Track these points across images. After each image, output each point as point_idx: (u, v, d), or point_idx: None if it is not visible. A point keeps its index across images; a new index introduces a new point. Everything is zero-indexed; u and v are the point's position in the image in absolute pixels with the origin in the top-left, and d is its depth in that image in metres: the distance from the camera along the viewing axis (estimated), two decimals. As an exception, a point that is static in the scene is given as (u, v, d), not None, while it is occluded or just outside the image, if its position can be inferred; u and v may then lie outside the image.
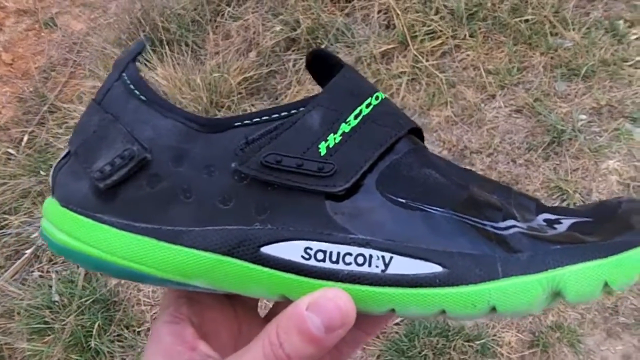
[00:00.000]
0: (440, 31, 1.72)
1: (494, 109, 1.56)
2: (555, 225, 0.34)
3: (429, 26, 1.73)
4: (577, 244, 0.31)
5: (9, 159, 1.94)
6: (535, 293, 0.30)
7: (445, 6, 1.75)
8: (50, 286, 1.54)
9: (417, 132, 0.37)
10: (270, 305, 0.42)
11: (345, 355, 0.39)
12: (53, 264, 1.60)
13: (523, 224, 0.33)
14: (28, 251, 1.63)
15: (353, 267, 0.31)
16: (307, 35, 1.79)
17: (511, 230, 0.32)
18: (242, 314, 0.39)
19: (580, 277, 0.30)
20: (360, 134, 0.33)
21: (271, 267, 0.32)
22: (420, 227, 0.32)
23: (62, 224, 0.34)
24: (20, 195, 1.78)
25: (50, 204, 0.35)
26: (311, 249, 0.32)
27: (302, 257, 0.32)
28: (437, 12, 1.75)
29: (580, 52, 1.57)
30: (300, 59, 1.80)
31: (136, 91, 0.35)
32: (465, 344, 1.23)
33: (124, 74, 0.35)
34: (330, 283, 0.31)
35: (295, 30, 1.81)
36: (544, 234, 0.33)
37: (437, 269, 0.31)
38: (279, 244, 0.32)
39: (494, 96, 1.59)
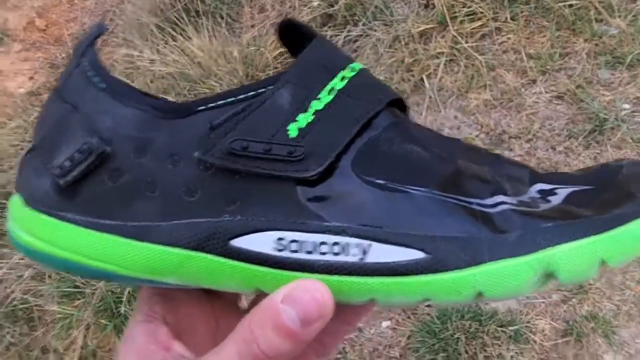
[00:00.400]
0: (481, 13, 1.69)
1: (535, 94, 1.54)
2: (550, 197, 0.31)
3: (469, 7, 1.70)
4: (571, 219, 0.29)
5: (41, 124, 1.95)
6: (525, 276, 0.28)
7: (487, -12, 1.72)
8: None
9: (399, 104, 0.34)
10: (252, 297, 0.40)
11: (328, 348, 0.37)
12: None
13: (513, 199, 0.31)
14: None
15: (329, 257, 0.29)
16: (345, 12, 1.77)
17: (499, 208, 0.30)
18: (220, 308, 0.37)
19: (574, 256, 0.28)
20: (333, 111, 0.31)
21: (243, 260, 0.30)
22: (400, 210, 0.30)
23: (25, 224, 0.32)
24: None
25: (14, 202, 0.33)
26: (284, 239, 0.30)
27: (275, 248, 0.30)
28: (479, -6, 1.72)
29: (625, 40, 1.54)
30: (337, 35, 1.78)
31: (95, 78, 0.32)
32: (499, 329, 1.22)
33: (83, 60, 0.32)
34: (306, 275, 0.29)
35: (332, 6, 1.79)
36: (535, 209, 0.30)
37: (418, 255, 0.29)
38: (249, 236, 0.30)
39: (534, 81, 1.56)
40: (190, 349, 0.32)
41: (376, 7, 1.76)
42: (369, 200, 0.30)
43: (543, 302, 1.26)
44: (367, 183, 0.30)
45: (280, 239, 0.30)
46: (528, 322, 1.24)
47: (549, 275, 0.29)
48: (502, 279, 0.28)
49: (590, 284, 1.26)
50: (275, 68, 1.71)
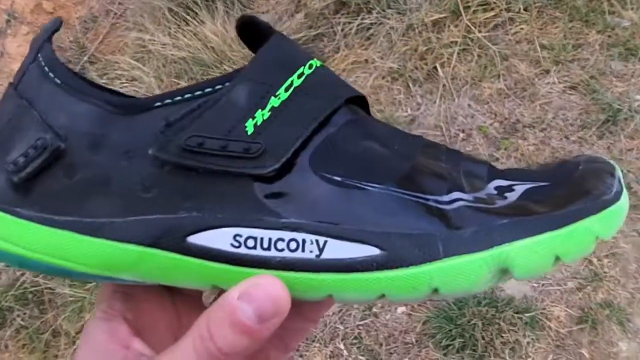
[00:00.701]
0: (494, 3, 1.70)
1: (548, 84, 1.55)
2: (507, 194, 0.31)
3: (482, -3, 1.71)
4: (525, 215, 0.29)
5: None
6: (480, 272, 0.29)
7: (499, -22, 1.72)
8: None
9: (360, 102, 0.35)
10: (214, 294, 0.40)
11: (288, 344, 0.38)
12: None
13: (470, 195, 0.31)
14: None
15: (286, 254, 0.29)
16: (359, 0, 1.77)
17: (455, 204, 0.30)
18: (182, 305, 0.37)
19: (528, 252, 0.29)
20: (291, 108, 0.31)
21: (199, 257, 0.30)
22: (356, 206, 0.30)
23: None
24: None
25: None
26: (241, 235, 0.29)
27: (232, 245, 0.29)
28: (491, -16, 1.73)
29: (638, 32, 1.55)
30: (350, 22, 1.78)
31: (51, 74, 0.32)
32: (515, 315, 1.24)
33: (39, 56, 0.32)
34: (262, 271, 0.29)
35: (345, -7, 1.79)
36: (491, 205, 0.30)
37: (374, 251, 0.29)
38: (206, 232, 0.30)
39: (548, 71, 1.57)
40: (151, 346, 0.32)
41: (390, -5, 1.76)
42: (326, 197, 0.30)
43: (558, 290, 1.28)
44: (324, 179, 0.30)
45: (237, 235, 0.30)
46: (544, 309, 1.26)
47: (504, 271, 0.29)
48: (457, 275, 0.29)
49: (605, 272, 1.27)
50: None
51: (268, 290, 0.27)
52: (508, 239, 0.29)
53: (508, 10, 1.69)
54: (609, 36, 1.58)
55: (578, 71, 1.54)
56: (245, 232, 0.30)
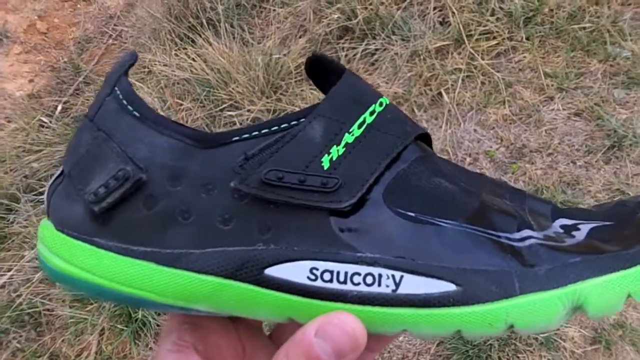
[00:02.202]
0: (497, 32, 1.73)
1: (553, 110, 1.58)
2: (574, 232, 0.32)
3: (484, 26, 1.74)
4: (597, 254, 0.30)
5: (42, 126, 1.90)
6: (555, 309, 0.29)
7: (501, 8, 1.76)
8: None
9: (424, 138, 0.36)
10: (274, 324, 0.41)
11: None
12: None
13: (539, 233, 0.32)
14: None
15: (362, 288, 0.30)
16: (364, 26, 1.78)
17: (527, 242, 0.31)
18: (245, 335, 0.37)
19: (603, 290, 0.29)
20: (364, 145, 0.32)
21: (276, 289, 0.30)
22: (431, 242, 0.30)
23: (58, 249, 0.32)
24: (59, 163, 1.74)
25: (46, 227, 0.33)
26: (317, 269, 0.30)
27: (308, 277, 0.30)
28: (493, 14, 1.76)
29: (639, 62, 1.59)
30: (354, 48, 1.79)
31: (129, 107, 0.33)
32: (531, 336, 1.23)
33: (116, 89, 0.33)
34: (338, 304, 0.30)
35: (350, 20, 1.81)
36: (561, 243, 0.31)
37: (450, 287, 0.30)
38: (283, 265, 0.30)
39: (552, 98, 1.60)
40: None
41: (395, 22, 1.78)
42: (401, 232, 0.31)
43: (573, 311, 1.28)
44: (399, 215, 0.31)
45: (313, 268, 0.30)
46: (558, 329, 1.25)
47: (577, 308, 0.29)
48: (533, 312, 0.29)
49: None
50: (297, 76, 1.71)
51: (344, 327, 0.28)
52: (582, 277, 0.29)
53: (510, 39, 1.73)
54: (611, 65, 1.62)
55: (582, 98, 1.57)
56: (322, 265, 0.30)
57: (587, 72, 1.63)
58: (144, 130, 0.32)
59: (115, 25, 2.19)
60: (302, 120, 0.32)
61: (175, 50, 1.82)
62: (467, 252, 0.30)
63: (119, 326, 1.39)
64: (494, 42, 1.73)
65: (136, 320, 1.39)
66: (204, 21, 1.81)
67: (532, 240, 0.31)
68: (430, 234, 0.31)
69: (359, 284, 0.30)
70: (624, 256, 0.30)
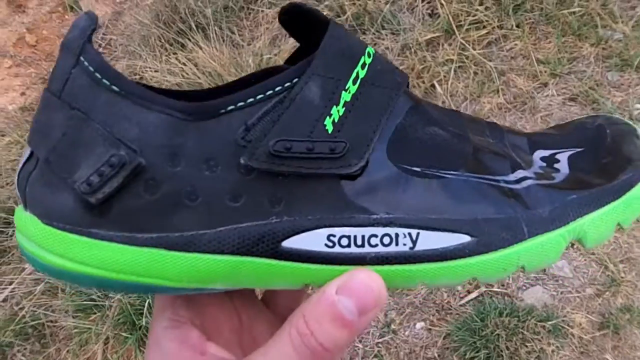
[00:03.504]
0: (486, 21, 1.72)
1: (547, 96, 1.57)
2: (556, 165, 0.34)
3: (474, 16, 1.74)
4: (588, 189, 0.32)
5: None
6: (559, 247, 0.31)
7: (490, -3, 1.76)
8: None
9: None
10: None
11: None
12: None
13: (530, 172, 0.33)
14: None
15: (380, 249, 0.30)
16: (353, 21, 1.78)
17: (524, 184, 0.32)
18: (240, 304, 0.36)
19: (598, 223, 0.32)
20: (362, 101, 0.31)
21: (295, 260, 0.30)
22: (440, 196, 0.31)
23: (49, 244, 0.29)
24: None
25: (28, 221, 0.30)
26: (334, 235, 0.30)
27: (326, 245, 0.30)
28: (481, 3, 1.75)
29: (631, 44, 1.59)
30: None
31: (105, 80, 0.29)
32: (538, 324, 1.22)
33: (82, 59, 0.29)
34: (357, 267, 0.30)
35: (339, 16, 1.80)
36: (552, 181, 0.33)
37: (465, 239, 0.30)
38: (300, 236, 0.30)
39: (546, 84, 1.59)
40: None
41: (384, 17, 1.77)
42: (410, 189, 0.31)
43: (578, 297, 1.27)
44: (405, 171, 0.31)
45: (330, 235, 0.30)
46: (565, 316, 1.25)
47: (576, 241, 0.32)
48: (541, 252, 0.31)
49: (621, 277, 1.27)
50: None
51: (367, 283, 0.27)
52: (580, 214, 0.31)
53: (500, 27, 1.72)
54: (603, 48, 1.61)
55: (576, 83, 1.57)
56: (338, 231, 0.30)
57: (579, 56, 1.62)
58: (128, 107, 0.29)
59: (104, 34, 2.19)
60: (295, 80, 0.30)
61: (166, 55, 1.82)
62: (475, 203, 0.31)
63: (123, 334, 1.38)
64: (484, 31, 1.72)
65: (140, 327, 1.38)
66: (193, 25, 1.80)
67: (528, 182, 0.32)
68: (438, 188, 0.31)
69: (376, 245, 0.30)
70: (610, 189, 0.32)
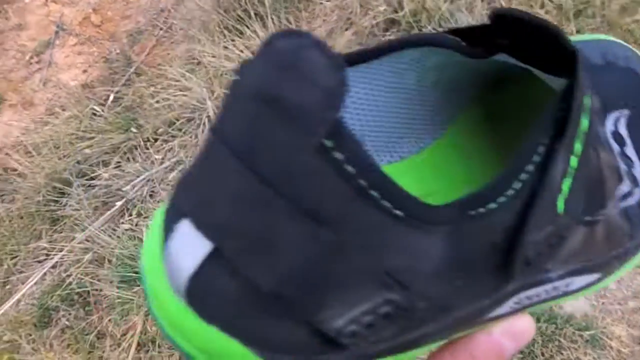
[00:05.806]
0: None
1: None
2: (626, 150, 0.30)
3: (534, 19, 1.71)
4: None
5: (95, 114, 1.96)
6: None
7: (551, 1, 1.73)
8: (141, 239, 1.54)
9: None
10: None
11: None
12: (144, 217, 1.60)
13: (626, 184, 0.29)
14: (118, 203, 1.63)
15: (538, 299, 0.29)
16: (410, 18, 1.78)
17: (623, 204, 0.29)
18: None
19: None
20: (584, 165, 0.24)
21: None
22: (598, 239, 0.28)
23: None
24: (111, 150, 1.79)
25: (233, 347, 0.21)
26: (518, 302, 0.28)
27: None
28: (542, 6, 1.73)
29: None
30: (400, 41, 1.79)
31: (385, 202, 0.19)
32: (575, 332, 1.21)
33: (329, 146, 0.18)
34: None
35: (397, 12, 1.81)
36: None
37: (594, 277, 0.30)
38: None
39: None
40: None
41: (442, 15, 1.77)
42: (579, 240, 0.26)
43: (619, 309, 1.25)
44: (584, 224, 0.26)
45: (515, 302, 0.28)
46: (604, 327, 1.23)
47: None
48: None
49: (665, 292, 1.25)
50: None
51: (528, 329, 0.29)
52: None
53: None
54: None
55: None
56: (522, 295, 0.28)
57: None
58: (407, 234, 0.20)
59: (166, 18, 2.24)
60: (534, 157, 0.22)
61: (224, 42, 1.85)
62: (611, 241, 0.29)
63: (163, 309, 1.42)
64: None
65: (180, 303, 1.41)
66: (252, 13, 1.83)
67: (629, 202, 0.30)
68: (594, 232, 0.27)
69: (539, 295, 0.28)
70: None
